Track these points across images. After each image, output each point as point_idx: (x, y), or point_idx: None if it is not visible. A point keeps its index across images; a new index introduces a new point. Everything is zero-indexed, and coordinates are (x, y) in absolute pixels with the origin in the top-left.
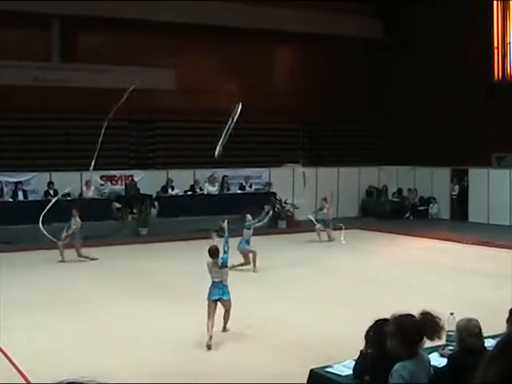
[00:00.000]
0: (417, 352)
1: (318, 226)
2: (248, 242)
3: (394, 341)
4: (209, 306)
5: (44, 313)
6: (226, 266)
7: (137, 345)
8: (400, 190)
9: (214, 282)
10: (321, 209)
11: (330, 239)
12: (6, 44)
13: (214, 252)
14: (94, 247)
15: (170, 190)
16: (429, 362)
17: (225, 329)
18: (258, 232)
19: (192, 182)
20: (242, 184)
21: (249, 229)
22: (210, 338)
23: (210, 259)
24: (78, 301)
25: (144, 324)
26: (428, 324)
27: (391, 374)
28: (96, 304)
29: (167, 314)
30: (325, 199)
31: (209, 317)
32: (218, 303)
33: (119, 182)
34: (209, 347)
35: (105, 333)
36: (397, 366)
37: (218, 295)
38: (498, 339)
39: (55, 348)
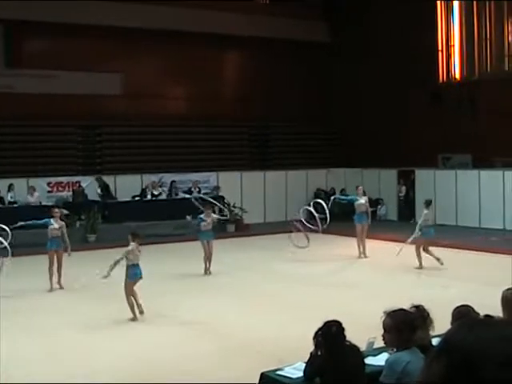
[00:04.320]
0: (411, 344)
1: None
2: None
3: (389, 334)
4: (129, 287)
5: None
6: None
7: (89, 355)
8: (342, 191)
9: (133, 264)
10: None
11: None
12: None
13: (137, 235)
14: (41, 255)
15: (108, 196)
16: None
17: (141, 311)
18: None
19: (139, 187)
20: (189, 188)
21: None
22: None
23: (133, 244)
24: (27, 310)
25: (94, 333)
26: (421, 316)
27: (386, 364)
28: (47, 314)
29: (117, 321)
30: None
31: (129, 296)
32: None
33: (66, 188)
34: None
35: (55, 343)
36: (392, 357)
37: (140, 274)
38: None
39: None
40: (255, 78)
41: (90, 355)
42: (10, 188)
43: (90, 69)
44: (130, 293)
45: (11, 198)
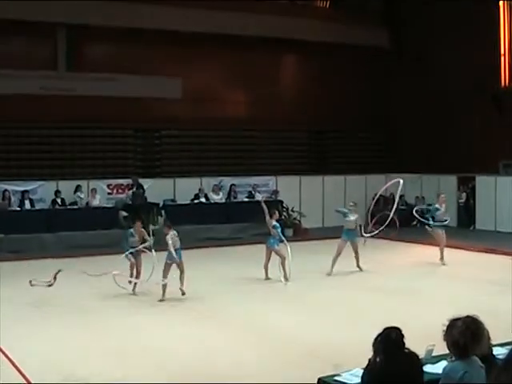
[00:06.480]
0: (471, 354)
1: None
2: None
3: (462, 338)
4: (167, 267)
5: (48, 321)
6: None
7: (135, 356)
8: (401, 197)
9: (176, 249)
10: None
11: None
12: (12, 53)
13: (171, 225)
14: (101, 256)
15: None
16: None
17: (183, 291)
18: (263, 241)
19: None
20: (250, 192)
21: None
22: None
23: (174, 232)
24: (82, 311)
25: (146, 335)
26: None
27: (443, 372)
28: (99, 314)
29: (176, 323)
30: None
31: (166, 275)
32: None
33: (126, 190)
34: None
35: (106, 343)
36: (449, 365)
37: (180, 257)
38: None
39: (59, 357)
40: (314, 83)
41: (142, 355)
42: (78, 189)
43: (149, 73)
44: (166, 272)
45: (78, 197)
